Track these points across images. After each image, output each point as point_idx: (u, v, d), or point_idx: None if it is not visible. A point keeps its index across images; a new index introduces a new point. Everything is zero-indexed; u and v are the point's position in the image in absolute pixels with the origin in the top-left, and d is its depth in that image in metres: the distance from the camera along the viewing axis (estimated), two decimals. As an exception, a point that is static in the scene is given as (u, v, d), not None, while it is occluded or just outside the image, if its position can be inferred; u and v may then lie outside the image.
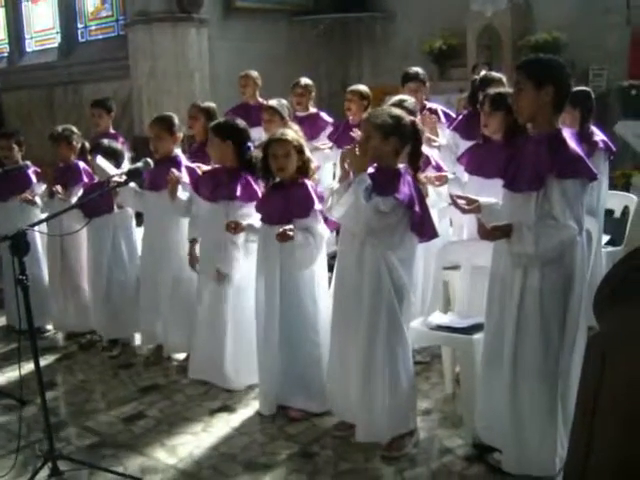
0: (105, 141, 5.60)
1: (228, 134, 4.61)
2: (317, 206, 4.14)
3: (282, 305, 4.20)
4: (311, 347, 4.24)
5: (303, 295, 4.23)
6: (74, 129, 5.79)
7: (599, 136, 5.06)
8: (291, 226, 4.06)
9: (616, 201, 5.65)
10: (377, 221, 3.64)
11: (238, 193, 4.53)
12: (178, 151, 5.19)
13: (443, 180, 4.63)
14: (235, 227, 4.36)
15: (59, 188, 5.48)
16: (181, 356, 5.26)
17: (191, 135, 6.22)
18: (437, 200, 4.63)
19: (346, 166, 3.72)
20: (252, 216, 4.47)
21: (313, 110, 7.09)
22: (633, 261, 2.31)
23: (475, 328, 3.91)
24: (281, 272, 4.19)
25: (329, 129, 6.95)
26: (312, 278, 4.25)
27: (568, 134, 3.42)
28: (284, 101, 6.18)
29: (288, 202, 4.17)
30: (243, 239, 4.51)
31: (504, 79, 5.56)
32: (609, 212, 5.52)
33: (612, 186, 5.49)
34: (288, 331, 4.21)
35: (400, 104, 4.53)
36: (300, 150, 4.20)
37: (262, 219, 4.31)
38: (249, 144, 4.72)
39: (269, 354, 4.23)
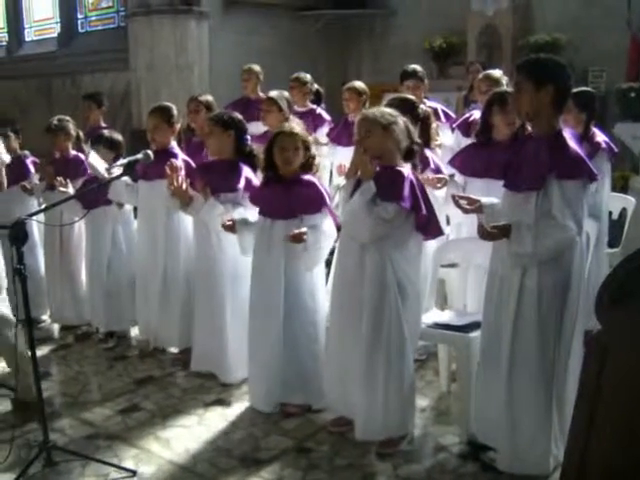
0: (106, 132, 5.59)
1: (229, 124, 4.60)
2: (328, 202, 4.14)
3: (285, 300, 4.18)
4: (310, 342, 4.23)
5: (304, 290, 4.22)
6: (69, 118, 5.77)
7: (601, 137, 5.05)
8: (305, 229, 4.04)
9: (614, 203, 5.65)
10: (381, 229, 3.64)
11: (241, 185, 4.51)
12: (174, 143, 5.16)
13: (442, 182, 4.61)
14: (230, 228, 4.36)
15: (62, 180, 5.42)
16: (176, 349, 5.25)
17: (190, 129, 6.19)
18: (434, 202, 4.61)
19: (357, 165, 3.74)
20: (247, 208, 4.47)
21: (311, 106, 7.09)
22: (634, 262, 2.32)
23: (472, 326, 3.91)
24: (285, 267, 4.17)
25: (326, 127, 6.96)
26: (312, 273, 4.24)
27: (568, 134, 3.42)
28: (286, 93, 6.18)
29: (297, 198, 4.13)
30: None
31: (504, 79, 5.57)
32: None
33: (611, 188, 5.48)
34: (289, 327, 4.20)
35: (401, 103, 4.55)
36: (307, 146, 4.19)
37: (262, 213, 4.28)
38: (247, 136, 4.73)
39: (272, 351, 4.21)
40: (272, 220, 4.20)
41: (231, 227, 4.38)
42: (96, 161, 5.15)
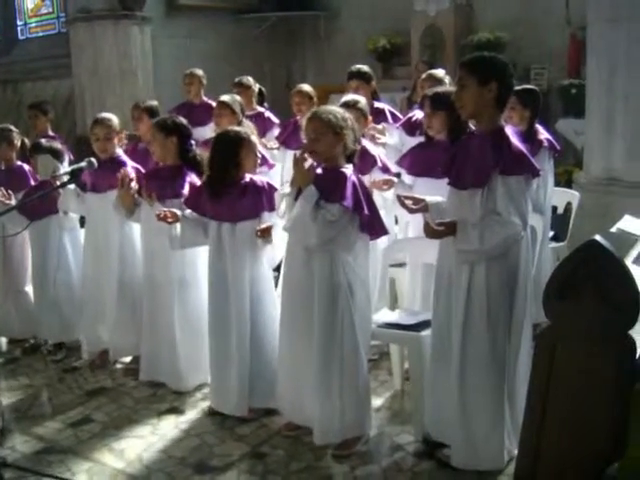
0: (44, 141, 5.48)
1: (172, 130, 4.57)
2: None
3: (235, 303, 4.14)
4: (263, 345, 4.20)
5: (259, 292, 4.19)
6: (12, 127, 5.64)
7: (543, 134, 5.13)
8: (271, 223, 4.03)
9: (559, 198, 5.75)
10: (328, 232, 3.64)
11: (185, 190, 4.47)
12: (120, 151, 5.11)
13: (389, 184, 4.61)
14: (172, 217, 4.22)
15: (4, 191, 5.27)
16: (127, 359, 5.18)
17: (135, 135, 6.14)
18: (382, 204, 4.62)
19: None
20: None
21: (259, 109, 7.08)
22: (580, 256, 2.36)
23: (423, 325, 3.92)
24: (239, 270, 4.12)
25: (275, 130, 6.95)
26: (263, 277, 4.22)
27: (511, 131, 3.47)
28: (237, 97, 6.16)
29: (250, 199, 4.11)
30: (178, 230, 4.33)
31: (446, 78, 5.62)
32: (552, 208, 5.61)
33: (555, 183, 5.57)
34: (241, 330, 4.15)
35: (353, 105, 4.60)
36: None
37: (213, 217, 4.21)
38: (191, 141, 4.69)
39: (226, 355, 4.17)
40: (231, 224, 4.14)
41: (171, 217, 4.21)
42: (50, 162, 5.08)
